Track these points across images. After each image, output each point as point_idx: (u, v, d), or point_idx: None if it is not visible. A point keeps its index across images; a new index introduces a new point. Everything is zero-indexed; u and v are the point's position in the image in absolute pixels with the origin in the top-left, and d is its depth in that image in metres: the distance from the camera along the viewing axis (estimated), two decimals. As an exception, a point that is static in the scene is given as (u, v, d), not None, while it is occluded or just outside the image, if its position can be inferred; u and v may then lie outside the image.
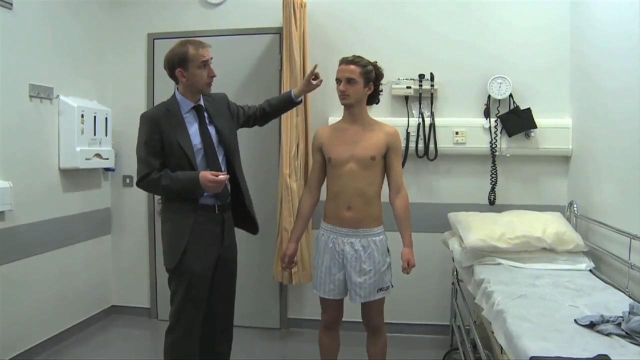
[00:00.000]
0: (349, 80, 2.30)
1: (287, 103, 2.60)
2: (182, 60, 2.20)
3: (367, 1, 3.49)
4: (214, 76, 2.28)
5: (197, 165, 2.23)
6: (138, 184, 2.27)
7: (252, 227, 2.51)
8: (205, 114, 2.32)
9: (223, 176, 2.18)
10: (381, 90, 2.47)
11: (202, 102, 2.33)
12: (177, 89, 2.31)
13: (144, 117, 2.27)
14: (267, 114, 2.58)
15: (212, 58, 2.27)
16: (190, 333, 2.29)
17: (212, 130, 2.31)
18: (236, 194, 2.40)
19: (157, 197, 3.65)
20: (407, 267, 2.34)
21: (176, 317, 2.28)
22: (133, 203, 3.86)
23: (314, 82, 2.55)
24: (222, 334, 2.45)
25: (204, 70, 2.23)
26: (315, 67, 2.54)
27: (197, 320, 2.30)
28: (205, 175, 2.15)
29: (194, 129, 2.27)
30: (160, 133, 2.20)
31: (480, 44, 3.38)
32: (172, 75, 2.27)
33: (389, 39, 3.46)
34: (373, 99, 2.45)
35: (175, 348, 2.28)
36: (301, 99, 2.63)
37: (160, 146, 2.21)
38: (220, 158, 2.33)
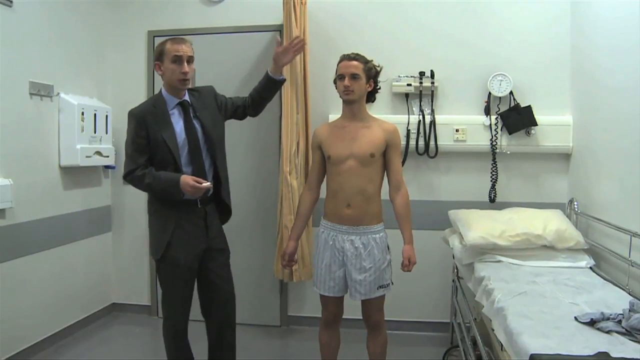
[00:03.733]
0: (353, 76, 2.31)
1: (268, 83, 2.51)
2: (160, 53, 2.28)
3: (368, -2, 3.49)
4: (185, 72, 2.26)
5: (181, 162, 2.28)
6: (124, 179, 2.34)
7: (224, 215, 2.53)
8: (191, 109, 2.35)
9: (205, 184, 2.20)
10: (379, 88, 2.47)
11: (187, 98, 2.35)
12: (163, 85, 2.35)
13: (131, 114, 2.30)
14: (255, 101, 2.54)
15: (191, 56, 2.28)
16: (176, 325, 2.38)
17: (197, 124, 2.34)
18: (216, 185, 2.42)
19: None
20: (408, 264, 2.34)
21: (164, 308, 2.42)
22: (133, 200, 3.84)
23: (292, 45, 2.48)
24: (225, 324, 2.48)
25: (176, 65, 2.24)
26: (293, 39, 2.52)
27: (182, 313, 2.38)
28: (187, 180, 2.19)
29: (179, 126, 2.31)
30: (146, 129, 2.25)
31: (480, 42, 3.37)
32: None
33: (390, 36, 3.45)
34: (370, 96, 2.45)
35: (165, 336, 2.42)
36: (283, 77, 2.55)
37: (146, 143, 2.26)
38: (204, 153, 2.35)
